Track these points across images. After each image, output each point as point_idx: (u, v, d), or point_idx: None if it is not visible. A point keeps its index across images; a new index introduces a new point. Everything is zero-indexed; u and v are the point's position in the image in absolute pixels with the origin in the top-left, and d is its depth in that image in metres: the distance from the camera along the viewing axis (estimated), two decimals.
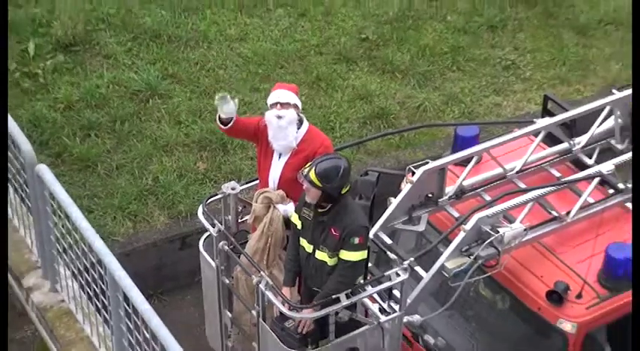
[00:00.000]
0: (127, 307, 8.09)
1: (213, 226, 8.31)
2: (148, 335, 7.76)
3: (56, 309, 9.76)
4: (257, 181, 8.66)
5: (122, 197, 12.16)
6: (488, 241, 8.11)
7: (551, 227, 8.47)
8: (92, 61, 13.77)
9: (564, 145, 8.95)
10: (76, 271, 9.34)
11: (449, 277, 8.12)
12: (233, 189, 8.49)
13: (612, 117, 9.18)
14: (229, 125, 8.63)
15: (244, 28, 14.09)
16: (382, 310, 7.89)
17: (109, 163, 12.53)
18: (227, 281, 8.45)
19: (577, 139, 8.97)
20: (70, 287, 9.56)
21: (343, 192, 7.79)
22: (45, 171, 9.07)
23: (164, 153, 12.70)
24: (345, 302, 7.64)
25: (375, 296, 7.90)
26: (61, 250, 9.43)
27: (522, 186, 8.62)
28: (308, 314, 7.71)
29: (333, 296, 7.67)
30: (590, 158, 8.93)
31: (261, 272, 7.85)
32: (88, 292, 9.17)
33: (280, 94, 8.62)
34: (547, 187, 8.50)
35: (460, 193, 8.38)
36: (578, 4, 15.12)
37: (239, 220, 8.59)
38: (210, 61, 13.53)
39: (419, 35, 14.22)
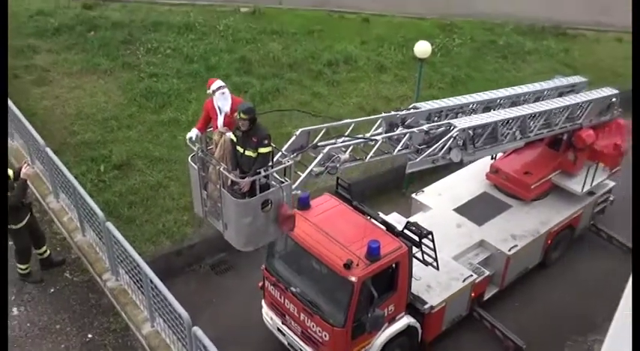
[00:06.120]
0: (152, 286, 8.36)
1: (195, 146, 7.94)
2: (162, 300, 8.18)
3: (118, 288, 9.81)
4: (213, 129, 8.23)
5: (149, 235, 11.78)
6: (334, 158, 8.00)
7: (357, 162, 8.42)
8: (132, 173, 13.17)
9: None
10: (126, 270, 9.35)
11: (315, 176, 7.92)
12: (197, 135, 8.36)
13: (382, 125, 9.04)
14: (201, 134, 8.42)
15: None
16: (282, 182, 7.54)
17: (141, 219, 12.11)
18: (203, 174, 7.87)
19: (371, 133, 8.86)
20: (125, 278, 9.62)
21: (256, 118, 7.58)
22: (110, 225, 9.21)
23: (167, 214, 12.28)
24: (263, 174, 7.34)
25: (276, 175, 7.55)
26: (119, 261, 9.40)
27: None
28: (246, 180, 7.36)
29: (257, 170, 7.35)
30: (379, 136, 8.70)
31: (222, 164, 7.58)
32: (133, 280, 9.24)
33: (219, 82, 8.38)
34: (357, 141, 8.37)
35: (315, 146, 8.02)
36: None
37: (207, 147, 8.04)
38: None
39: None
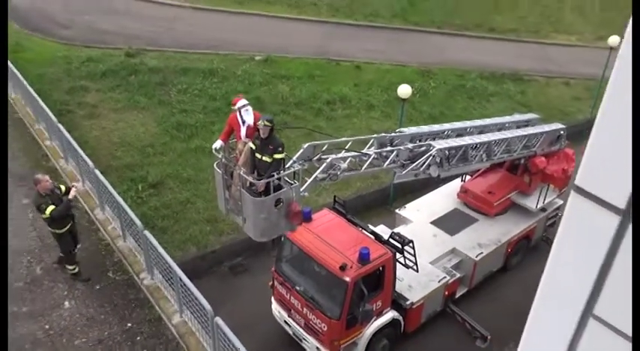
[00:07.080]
0: (181, 284, 8.46)
1: (219, 154, 7.93)
2: (189, 294, 8.17)
3: (153, 286, 9.85)
4: (236, 139, 8.24)
5: (178, 242, 11.78)
6: (335, 165, 7.89)
7: (354, 173, 8.36)
8: (164, 191, 13.14)
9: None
10: (160, 270, 9.49)
11: (320, 181, 7.86)
12: (221, 145, 8.17)
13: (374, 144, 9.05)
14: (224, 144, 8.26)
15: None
16: (292, 184, 7.55)
17: (173, 230, 12.09)
18: (226, 177, 7.84)
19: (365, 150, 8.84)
20: (158, 277, 9.72)
21: (274, 128, 7.58)
22: (147, 233, 9.28)
23: (194, 225, 12.21)
24: (277, 176, 7.33)
25: (287, 178, 7.58)
26: (154, 263, 9.50)
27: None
28: (262, 181, 7.34)
29: (271, 173, 7.33)
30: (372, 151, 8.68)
31: (242, 168, 7.58)
32: (166, 279, 9.36)
33: (243, 101, 8.30)
34: (354, 155, 8.32)
35: (320, 158, 7.89)
36: None
37: (230, 155, 8.09)
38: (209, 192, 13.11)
39: None
